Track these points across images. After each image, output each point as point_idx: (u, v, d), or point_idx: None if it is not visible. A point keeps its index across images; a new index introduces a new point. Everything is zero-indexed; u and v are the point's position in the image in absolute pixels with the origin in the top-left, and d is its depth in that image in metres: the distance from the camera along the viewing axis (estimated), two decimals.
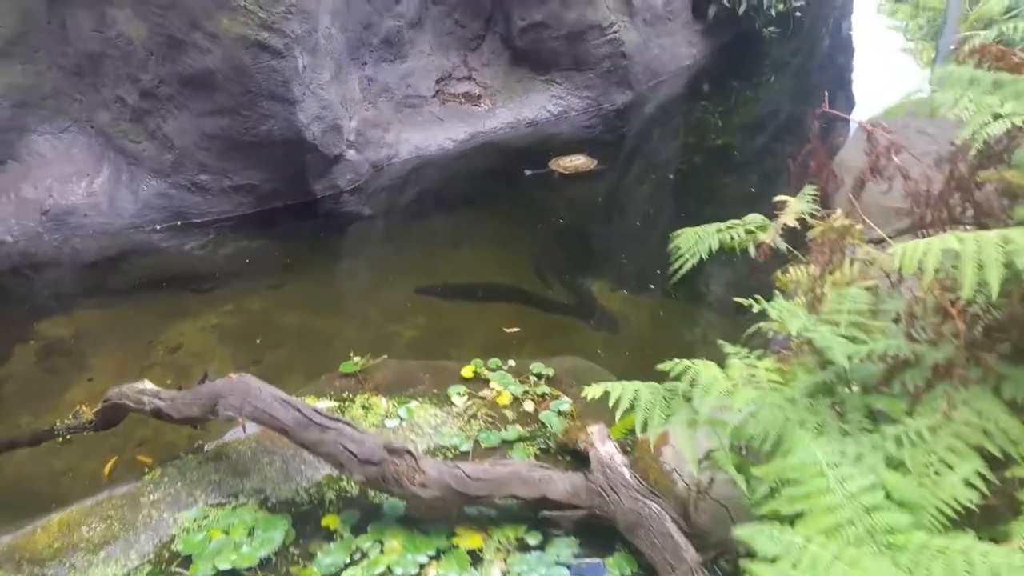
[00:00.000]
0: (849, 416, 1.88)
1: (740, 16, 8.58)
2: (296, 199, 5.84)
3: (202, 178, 5.55)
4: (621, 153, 7.08)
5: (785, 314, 1.86)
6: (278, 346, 4.37)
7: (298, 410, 2.43)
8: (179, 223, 5.65)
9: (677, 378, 2.02)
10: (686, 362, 1.98)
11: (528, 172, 6.34)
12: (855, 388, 1.95)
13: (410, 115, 6.74)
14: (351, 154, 6.02)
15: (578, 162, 6.40)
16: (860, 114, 7.28)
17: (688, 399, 2.02)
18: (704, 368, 1.98)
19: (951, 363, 1.77)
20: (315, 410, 2.48)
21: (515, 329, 4.39)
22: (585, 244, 5.68)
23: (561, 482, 2.47)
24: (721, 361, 2.07)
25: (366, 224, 5.92)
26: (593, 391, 2.07)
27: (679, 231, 2.35)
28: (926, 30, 10.87)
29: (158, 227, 5.63)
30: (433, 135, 6.74)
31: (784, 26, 9.07)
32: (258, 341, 4.42)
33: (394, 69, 6.61)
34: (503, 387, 3.33)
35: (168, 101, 5.34)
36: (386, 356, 3.59)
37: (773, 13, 8.85)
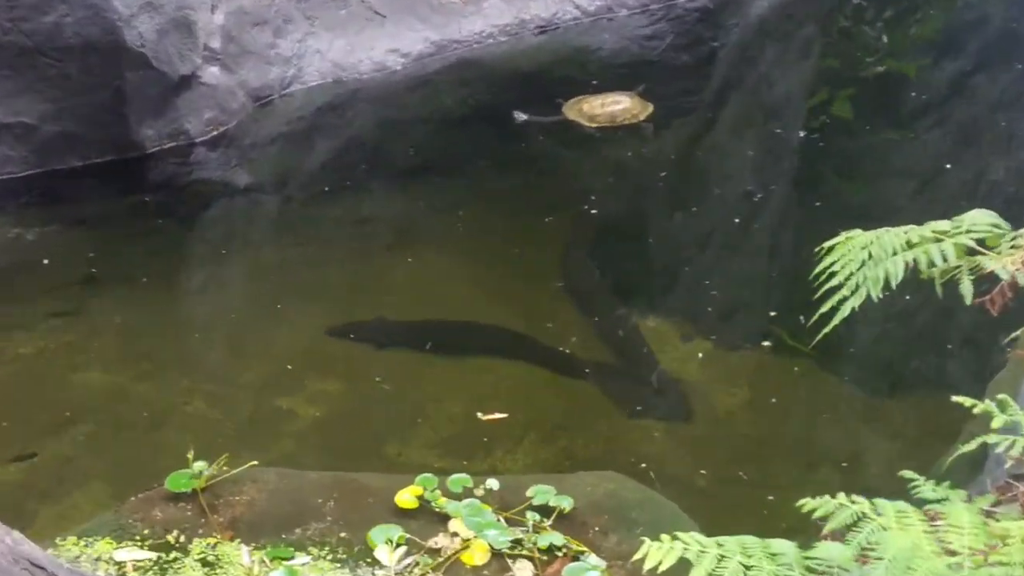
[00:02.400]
0: None
1: None
2: (108, 154, 5.71)
3: None
4: (707, 89, 6.99)
5: None
6: (65, 428, 4.24)
7: None
8: None
9: (836, 534, 1.82)
10: (861, 505, 1.79)
11: (521, 117, 6.30)
12: None
13: (325, 6, 6.62)
14: (212, 74, 5.89)
15: (617, 107, 6.28)
16: None
17: None
18: (897, 524, 1.75)
19: None
20: None
21: (498, 416, 4.23)
22: (634, 253, 5.54)
23: None
24: (902, 496, 1.87)
25: (238, 203, 5.82)
26: (657, 554, 1.85)
27: (838, 238, 2.15)
28: None
29: None
30: (367, 44, 6.64)
31: None
32: (28, 417, 4.26)
33: None
34: (475, 531, 3.12)
35: None
36: (256, 462, 3.40)
37: None
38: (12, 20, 5.21)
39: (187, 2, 5.63)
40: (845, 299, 2.10)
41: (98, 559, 3.09)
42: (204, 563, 3.06)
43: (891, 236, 2.13)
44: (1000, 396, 1.85)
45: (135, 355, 4.66)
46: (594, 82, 6.62)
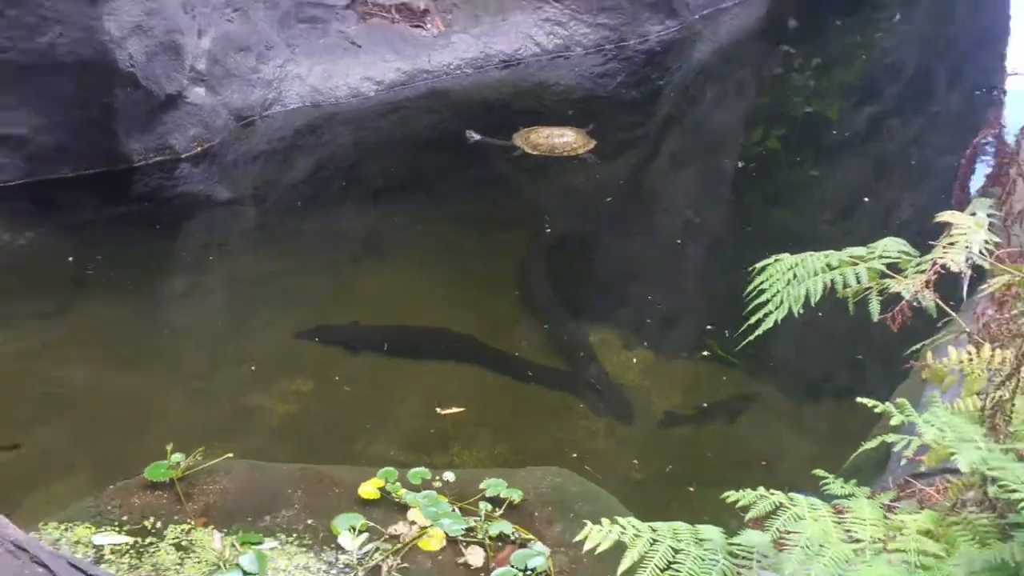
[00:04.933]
0: None
1: None
2: (97, 166, 5.66)
3: None
4: (652, 122, 7.04)
5: (952, 437, 1.66)
6: (50, 421, 4.21)
7: (43, 566, 2.15)
8: None
9: (756, 523, 1.84)
10: (777, 497, 1.82)
11: (474, 137, 6.35)
12: None
13: (306, 35, 6.60)
14: (198, 94, 5.85)
15: (560, 140, 6.31)
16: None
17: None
18: (810, 515, 1.78)
19: None
20: (75, 566, 2.21)
21: (456, 410, 4.25)
22: (585, 269, 5.58)
23: None
24: (815, 492, 1.91)
25: (219, 215, 5.79)
26: (597, 537, 1.88)
27: (768, 260, 2.21)
28: None
29: None
30: (343, 71, 6.62)
31: None
32: (14, 410, 4.21)
33: None
34: (431, 520, 3.14)
35: None
36: (230, 455, 3.41)
37: None
38: (10, 39, 5.17)
39: (176, 26, 5.60)
40: (770, 313, 2.14)
41: (77, 543, 3.07)
42: (178, 547, 3.06)
43: (814, 259, 2.19)
44: (899, 399, 1.88)
45: (118, 353, 4.62)
46: (573, 114, 6.67)
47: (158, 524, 3.13)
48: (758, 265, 2.22)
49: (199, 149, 5.94)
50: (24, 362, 4.52)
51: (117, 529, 3.11)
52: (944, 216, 2.17)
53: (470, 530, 3.12)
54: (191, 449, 3.35)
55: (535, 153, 6.22)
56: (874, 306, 2.10)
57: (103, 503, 3.23)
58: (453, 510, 3.19)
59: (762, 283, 2.20)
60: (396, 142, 6.48)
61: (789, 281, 2.19)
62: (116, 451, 3.85)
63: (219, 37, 6.06)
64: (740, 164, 6.61)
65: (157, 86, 5.57)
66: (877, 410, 1.91)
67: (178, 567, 3.00)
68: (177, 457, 3.32)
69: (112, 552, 3.03)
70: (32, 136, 5.48)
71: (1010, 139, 2.40)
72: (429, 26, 7.11)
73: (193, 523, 3.12)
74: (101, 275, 5.13)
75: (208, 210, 5.80)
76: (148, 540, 3.06)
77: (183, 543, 3.05)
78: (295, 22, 6.57)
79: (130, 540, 3.06)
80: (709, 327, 4.80)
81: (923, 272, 2.05)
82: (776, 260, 2.21)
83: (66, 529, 3.12)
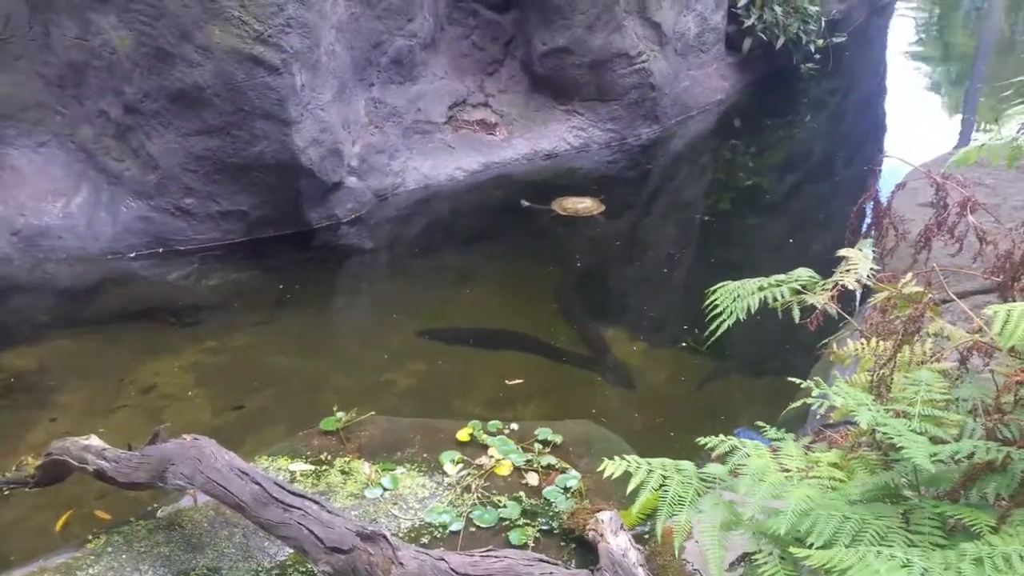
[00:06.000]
0: (918, 525, 1.61)
1: (777, 51, 8.41)
2: (290, 228, 5.70)
3: (187, 202, 5.39)
4: (644, 191, 6.94)
5: (852, 402, 1.60)
6: (261, 391, 4.21)
7: (258, 484, 2.17)
8: (161, 250, 5.49)
9: (719, 459, 1.80)
10: (732, 441, 1.77)
11: (525, 203, 6.27)
12: (924, 492, 1.69)
13: (419, 141, 6.59)
14: (352, 181, 5.87)
15: (581, 205, 6.25)
16: (895, 162, 7.14)
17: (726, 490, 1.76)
18: (755, 453, 1.73)
19: None
20: (278, 484, 2.22)
21: (518, 381, 4.21)
22: (604, 289, 5.50)
23: None
24: (756, 438, 1.89)
25: (366, 258, 5.80)
26: (612, 468, 1.83)
27: (717, 285, 2.12)
28: (954, 75, 10.87)
29: (137, 254, 5.47)
30: (443, 164, 6.59)
31: (823, 63, 8.91)
32: (239, 384, 4.25)
33: (404, 91, 6.48)
34: (503, 455, 3.12)
35: (153, 117, 5.18)
36: (373, 412, 3.41)
37: (812, 48, 8.67)
38: (236, 149, 5.23)
39: (338, 139, 5.62)
40: (723, 320, 2.08)
41: (279, 469, 3.10)
42: (342, 472, 3.08)
43: (750, 283, 2.13)
44: (816, 378, 1.83)
45: (305, 347, 4.64)
46: (594, 188, 6.62)
47: (329, 457, 3.15)
48: (710, 289, 2.15)
49: (353, 216, 5.97)
50: (247, 353, 4.56)
51: (304, 460, 3.14)
52: (842, 252, 2.12)
53: (528, 461, 3.10)
54: (349, 409, 3.38)
55: (565, 214, 6.18)
56: (796, 312, 2.04)
57: (295, 443, 3.26)
58: (517, 448, 3.17)
59: (714, 300, 2.13)
60: (477, 209, 6.45)
61: (735, 298, 2.13)
62: (303, 410, 3.86)
63: (365, 145, 6.10)
64: (704, 218, 6.51)
65: (327, 177, 5.61)
66: (802, 385, 1.85)
67: (342, 485, 3.01)
68: (340, 414, 3.35)
69: (301, 475, 3.06)
70: (249, 210, 5.54)
71: (883, 200, 2.32)
72: (498, 134, 7.09)
73: (351, 457, 3.14)
74: (295, 297, 5.16)
75: (359, 255, 5.81)
76: (323, 468, 3.09)
77: (345, 470, 3.08)
78: (413, 133, 6.58)
79: (312, 467, 3.09)
80: (685, 327, 4.71)
81: (829, 289, 2.00)
82: (723, 285, 2.15)
83: (272, 460, 3.15)
